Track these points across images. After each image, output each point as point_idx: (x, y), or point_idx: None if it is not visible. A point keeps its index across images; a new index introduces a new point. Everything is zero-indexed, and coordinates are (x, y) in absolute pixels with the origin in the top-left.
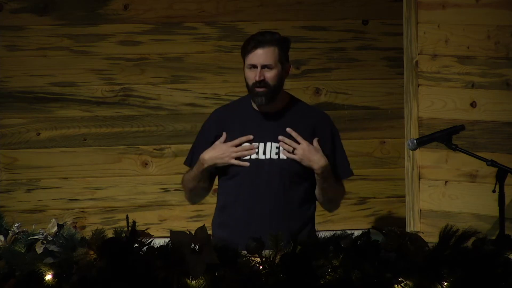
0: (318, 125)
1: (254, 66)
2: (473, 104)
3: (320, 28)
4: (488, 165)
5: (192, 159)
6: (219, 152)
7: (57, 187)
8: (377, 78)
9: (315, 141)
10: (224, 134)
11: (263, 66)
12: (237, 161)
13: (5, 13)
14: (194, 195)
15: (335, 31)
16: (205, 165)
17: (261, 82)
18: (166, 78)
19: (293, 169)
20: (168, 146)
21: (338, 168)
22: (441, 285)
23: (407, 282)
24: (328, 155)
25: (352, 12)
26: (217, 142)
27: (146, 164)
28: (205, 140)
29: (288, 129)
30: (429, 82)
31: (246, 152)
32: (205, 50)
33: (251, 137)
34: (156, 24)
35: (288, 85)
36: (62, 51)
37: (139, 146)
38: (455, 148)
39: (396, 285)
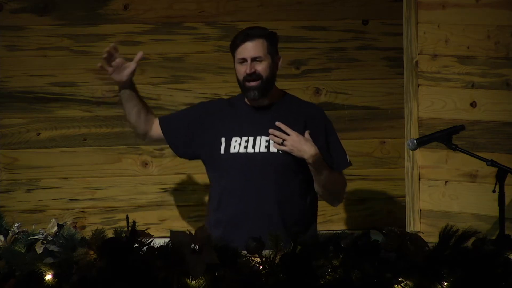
0: (310, 118)
1: (244, 60)
2: (473, 104)
3: (320, 28)
4: (488, 165)
5: (167, 117)
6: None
7: (57, 187)
8: (377, 78)
9: (306, 133)
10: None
11: (253, 59)
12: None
13: (5, 13)
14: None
15: (335, 31)
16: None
17: (253, 75)
18: (166, 78)
19: (284, 162)
20: (168, 146)
21: (334, 159)
22: (441, 285)
23: (407, 282)
24: (321, 147)
25: (352, 12)
26: None
27: (146, 164)
28: (187, 115)
29: (277, 123)
30: (429, 82)
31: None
32: (205, 50)
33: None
34: (156, 24)
35: (288, 85)
36: (62, 51)
37: (139, 146)
38: (455, 148)
39: (396, 285)
